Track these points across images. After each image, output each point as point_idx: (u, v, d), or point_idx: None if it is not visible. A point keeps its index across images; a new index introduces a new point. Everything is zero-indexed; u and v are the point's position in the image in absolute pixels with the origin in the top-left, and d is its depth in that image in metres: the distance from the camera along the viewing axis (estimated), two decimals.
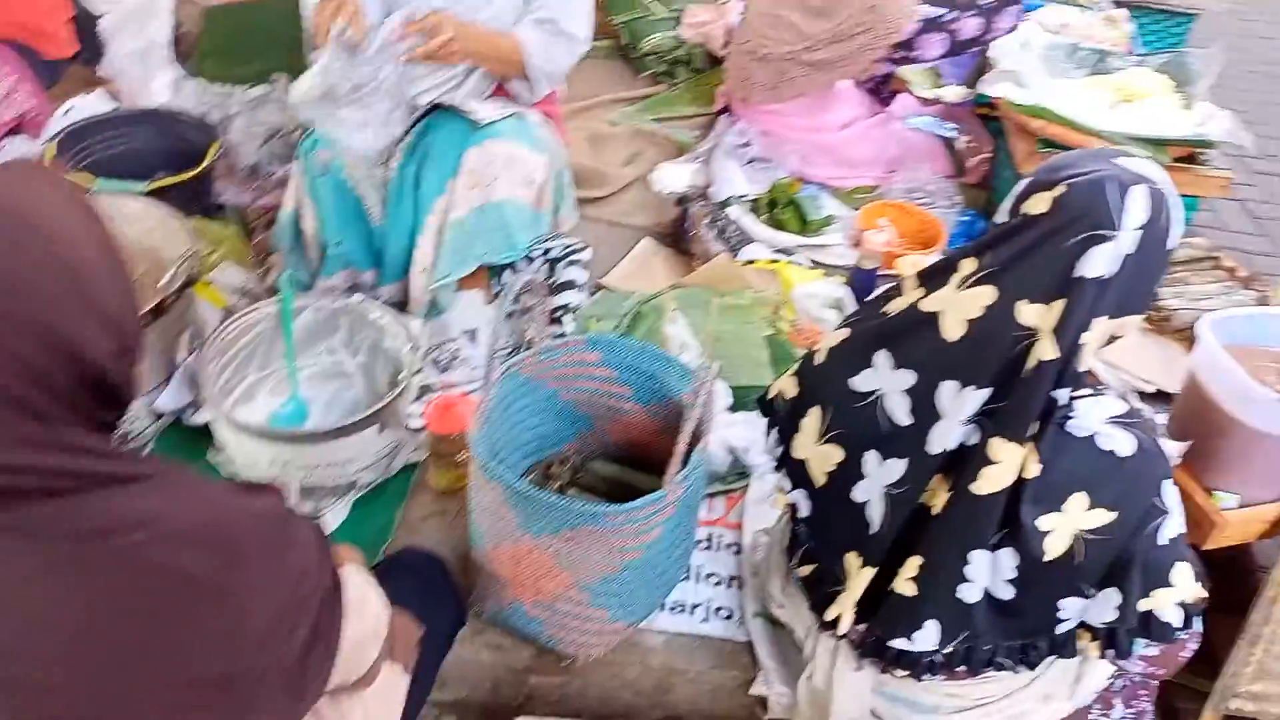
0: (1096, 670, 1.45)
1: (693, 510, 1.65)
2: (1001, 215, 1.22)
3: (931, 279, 1.25)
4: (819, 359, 1.40)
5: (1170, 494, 1.23)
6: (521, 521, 1.48)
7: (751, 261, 2.52)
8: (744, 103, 2.91)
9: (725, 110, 3.01)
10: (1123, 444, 1.19)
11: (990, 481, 1.16)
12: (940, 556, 1.22)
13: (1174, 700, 1.76)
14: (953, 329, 1.19)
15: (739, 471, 2.02)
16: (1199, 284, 2.33)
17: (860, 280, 2.39)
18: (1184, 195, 2.47)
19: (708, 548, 1.90)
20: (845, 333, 1.37)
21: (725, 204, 2.68)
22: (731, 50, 2.94)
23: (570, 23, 2.16)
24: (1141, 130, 2.47)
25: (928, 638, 1.26)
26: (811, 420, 1.37)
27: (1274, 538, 1.78)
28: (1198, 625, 1.38)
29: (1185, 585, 1.24)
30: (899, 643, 1.28)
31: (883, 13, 2.74)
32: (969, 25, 2.94)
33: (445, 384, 2.16)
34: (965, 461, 1.19)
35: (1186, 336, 2.16)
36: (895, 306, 1.29)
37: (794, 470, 1.42)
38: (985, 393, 1.17)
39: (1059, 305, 1.11)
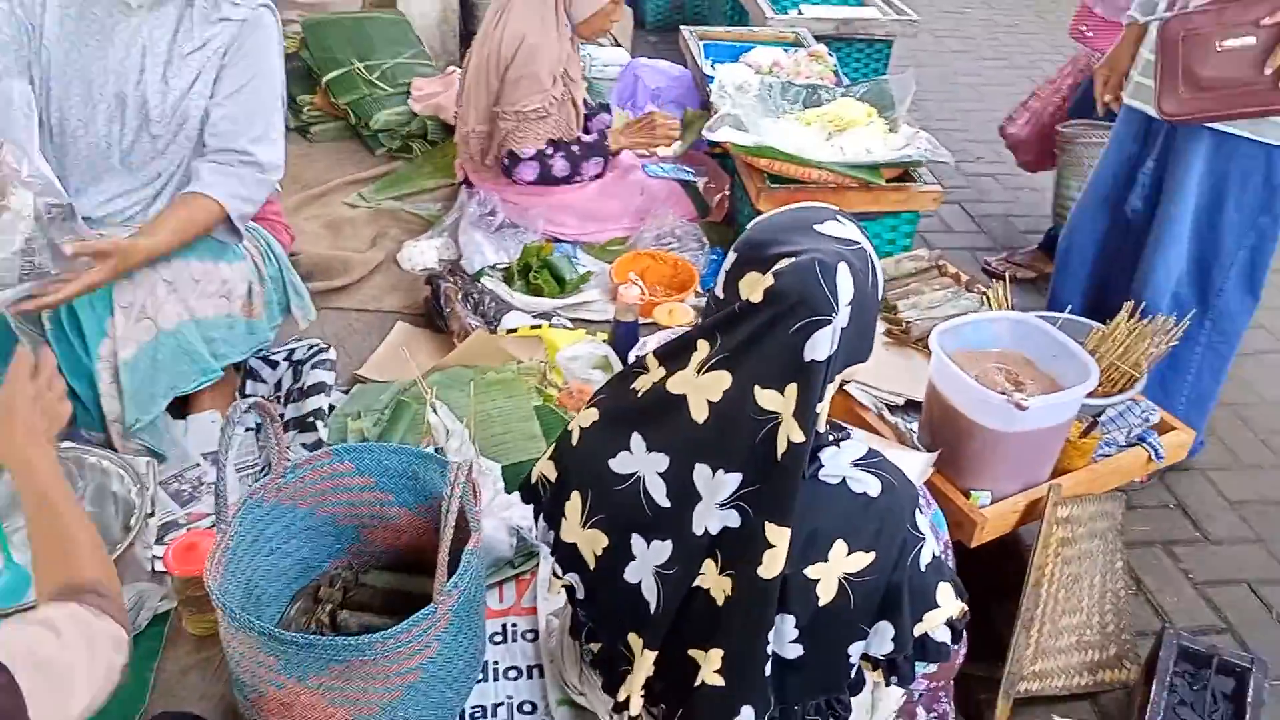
0: (888, 694, 1.48)
1: (474, 611, 1.56)
2: (718, 287, 1.24)
3: (672, 359, 1.25)
4: (574, 440, 1.36)
5: (921, 521, 1.27)
6: (283, 666, 1.35)
7: (513, 330, 2.47)
8: (477, 174, 2.88)
9: (466, 181, 2.96)
10: (872, 485, 1.22)
11: (774, 563, 1.16)
12: (741, 645, 1.20)
13: (971, 691, 1.83)
14: (698, 412, 1.19)
15: (527, 553, 1.94)
16: (929, 292, 2.49)
17: (622, 334, 2.39)
18: (903, 211, 2.70)
19: (502, 640, 1.81)
20: (595, 413, 1.34)
21: (478, 276, 2.63)
22: (457, 123, 2.91)
23: (259, 148, 1.99)
24: (855, 158, 2.62)
25: None
26: (574, 504, 1.34)
27: (1030, 523, 1.90)
28: (963, 636, 1.43)
29: (949, 604, 1.28)
30: None
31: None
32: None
33: (195, 516, 1.97)
34: (742, 546, 1.18)
35: (926, 345, 2.29)
36: (642, 385, 1.27)
37: (565, 554, 1.38)
38: (737, 477, 1.17)
39: (793, 389, 1.13)
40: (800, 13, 3.95)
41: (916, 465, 1.81)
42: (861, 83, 3.05)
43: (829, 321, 1.11)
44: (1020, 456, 1.85)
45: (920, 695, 1.65)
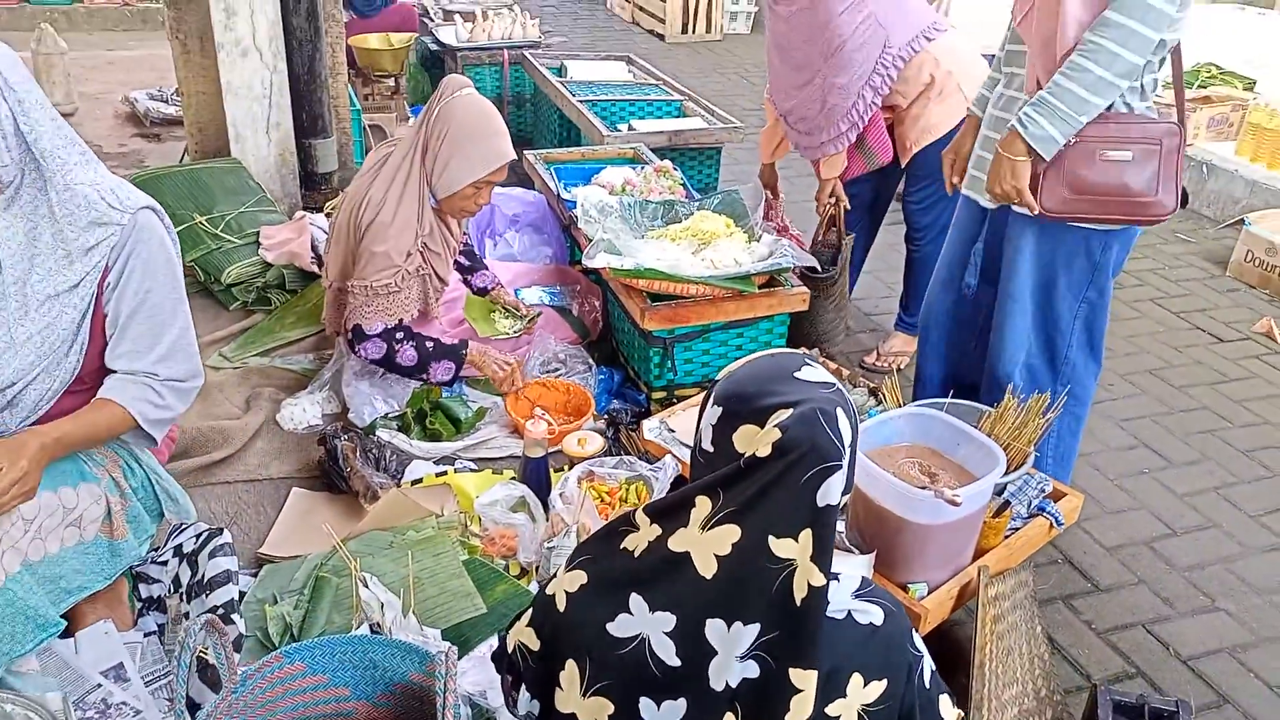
0: None
1: None
2: (706, 441, 1.26)
3: (668, 517, 1.26)
4: (560, 605, 1.33)
5: (918, 639, 1.33)
6: None
7: (418, 481, 2.40)
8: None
9: (338, 334, 2.87)
10: (876, 615, 1.26)
11: (802, 709, 1.18)
12: None
13: None
14: (706, 568, 1.20)
15: (486, 717, 1.87)
16: None
17: (534, 471, 2.37)
18: (776, 314, 2.83)
19: None
20: (582, 576, 1.32)
21: (371, 429, 2.54)
22: (324, 273, 2.83)
23: (167, 367, 1.84)
24: (725, 269, 2.75)
25: None
26: (570, 673, 1.30)
27: (963, 607, 2.00)
28: None
29: (950, 714, 1.34)
30: None
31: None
32: None
33: None
34: (766, 696, 1.19)
35: None
36: (636, 545, 1.27)
37: None
38: (755, 627, 1.18)
39: (807, 536, 1.15)
40: (631, 128, 4.12)
41: (860, 568, 1.88)
42: (712, 195, 3.21)
43: (840, 467, 1.16)
44: (949, 545, 1.96)
45: None
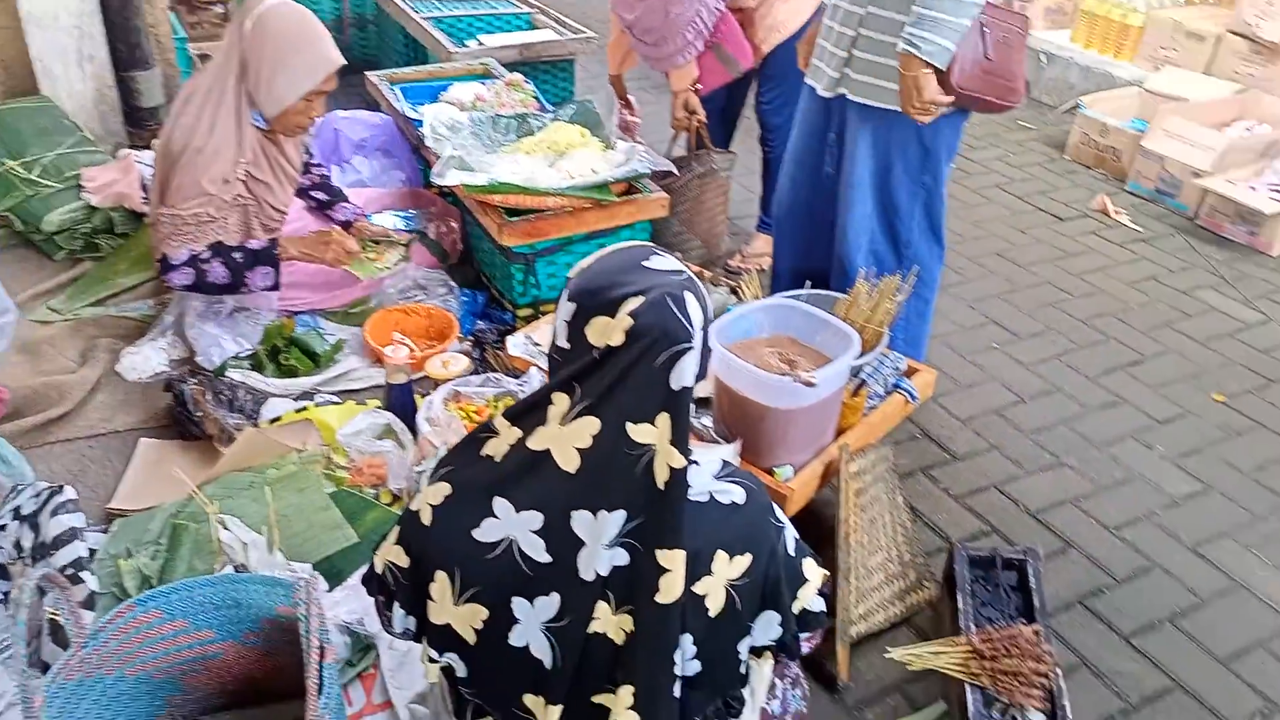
0: (764, 673, 1.57)
1: None
2: (561, 338, 1.25)
3: (525, 417, 1.25)
4: (426, 519, 1.32)
5: (778, 511, 1.37)
6: None
7: (277, 419, 2.32)
8: None
9: None
10: (737, 493, 1.29)
11: (672, 587, 1.20)
12: (650, 678, 1.23)
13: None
14: (568, 462, 1.20)
15: (363, 647, 1.85)
16: None
17: (398, 397, 2.32)
18: (636, 221, 2.82)
19: None
20: (445, 488, 1.30)
21: (221, 370, 2.44)
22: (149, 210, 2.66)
23: None
24: (583, 180, 2.71)
25: None
26: (440, 584, 1.29)
27: (828, 485, 2.08)
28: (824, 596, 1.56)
29: (815, 574, 1.40)
30: None
31: None
32: None
33: None
34: (637, 580, 1.21)
35: None
36: (497, 450, 1.27)
37: (438, 636, 1.33)
38: (621, 514, 1.19)
39: (665, 419, 1.17)
40: (480, 43, 3.99)
41: (726, 456, 1.92)
42: (565, 105, 3.14)
43: (691, 348, 1.17)
44: (811, 427, 2.02)
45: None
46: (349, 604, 1.86)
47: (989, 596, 2.02)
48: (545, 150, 2.81)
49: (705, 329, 1.22)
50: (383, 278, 2.74)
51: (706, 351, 1.26)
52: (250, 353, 2.51)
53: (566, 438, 1.20)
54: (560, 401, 1.21)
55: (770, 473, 1.99)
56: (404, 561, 1.33)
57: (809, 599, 1.38)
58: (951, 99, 2.19)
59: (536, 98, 3.33)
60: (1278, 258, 3.65)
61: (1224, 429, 2.73)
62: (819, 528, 2.17)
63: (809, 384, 1.84)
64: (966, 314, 3.24)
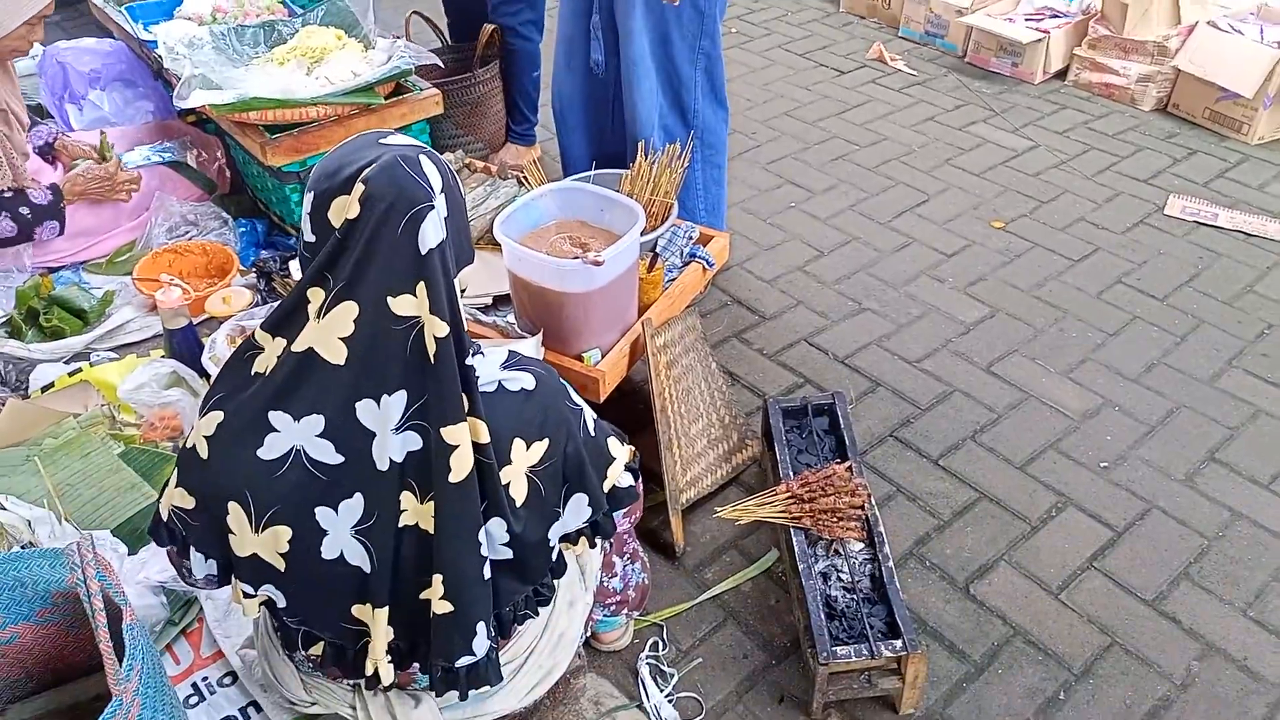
0: (591, 556, 1.59)
1: (160, 686, 1.40)
2: (308, 233, 1.19)
3: (286, 324, 1.19)
4: (204, 454, 1.24)
5: (574, 394, 1.36)
6: None
7: (49, 386, 2.13)
8: None
9: None
10: (526, 380, 1.27)
11: (461, 464, 1.17)
12: (458, 564, 1.21)
13: (644, 523, 2.01)
14: (335, 355, 1.15)
15: (183, 604, 1.77)
16: (470, 191, 2.54)
17: (180, 342, 2.17)
18: (413, 123, 2.68)
19: (199, 699, 1.66)
20: (218, 415, 1.23)
21: None
22: None
23: None
24: (344, 85, 2.54)
25: (482, 641, 1.26)
26: (236, 516, 1.23)
27: (636, 361, 2.09)
28: (639, 473, 1.57)
29: (621, 451, 1.40)
30: (464, 660, 1.26)
31: None
32: None
33: None
34: (429, 463, 1.18)
35: (490, 242, 2.36)
36: (265, 364, 1.21)
37: (248, 568, 1.27)
38: (401, 395, 1.16)
39: (422, 287, 1.13)
40: None
41: (530, 350, 1.90)
42: (315, 6, 2.93)
43: (432, 207, 1.13)
44: (610, 307, 2.00)
45: (611, 545, 1.79)
46: (159, 562, 1.76)
47: (804, 444, 2.10)
48: (300, 58, 2.62)
49: (451, 196, 1.18)
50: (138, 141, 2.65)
51: (462, 227, 1.22)
52: (4, 320, 2.28)
53: (328, 330, 1.15)
54: (315, 296, 1.16)
55: (580, 359, 1.98)
56: (189, 503, 1.26)
57: (617, 476, 1.38)
58: None
59: (283, 3, 3.09)
60: (1040, 85, 3.85)
61: (1004, 254, 2.90)
62: (638, 405, 2.20)
63: (597, 263, 1.82)
64: (763, 177, 3.29)
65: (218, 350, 2.06)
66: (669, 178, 2.20)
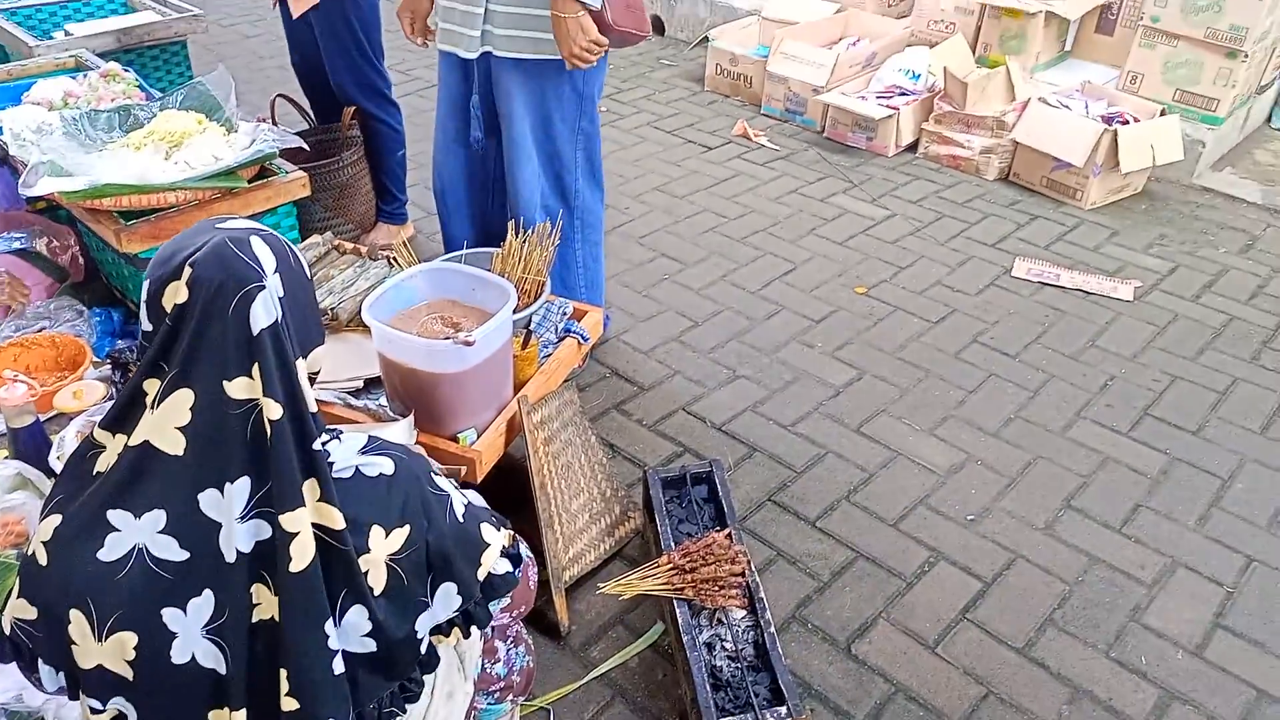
0: (470, 645, 1.55)
1: None
2: (145, 322, 1.16)
3: (123, 419, 1.15)
4: (43, 561, 1.17)
5: (440, 480, 1.34)
6: None
7: None
8: None
9: None
10: (385, 465, 1.25)
11: (302, 552, 1.14)
12: (303, 658, 1.16)
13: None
14: (173, 446, 1.13)
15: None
16: (339, 274, 2.50)
17: (27, 442, 2.04)
18: (279, 206, 2.64)
19: None
20: (56, 518, 1.17)
21: None
22: None
23: None
24: (206, 169, 2.49)
25: None
26: (78, 625, 1.16)
27: (516, 438, 2.07)
28: (525, 552, 1.55)
29: (495, 538, 1.37)
30: None
31: None
32: None
33: None
34: (273, 553, 1.14)
35: (360, 324, 2.33)
36: (105, 463, 1.16)
37: (94, 681, 1.20)
38: (245, 482, 1.13)
39: (256, 368, 1.12)
40: (68, 33, 3.55)
41: (402, 434, 1.87)
42: (174, 90, 2.86)
43: (262, 287, 1.12)
44: (485, 386, 1.99)
45: (494, 630, 1.75)
46: (3, 682, 1.63)
47: (685, 513, 2.12)
48: (158, 142, 2.55)
49: (288, 274, 1.17)
50: None
51: (306, 306, 1.21)
52: None
53: (163, 419, 1.12)
54: (151, 387, 1.14)
55: (455, 439, 1.96)
56: (30, 614, 1.19)
57: (492, 563, 1.36)
58: (607, 40, 2.22)
59: (141, 87, 3.02)
60: (893, 157, 4.08)
61: (868, 318, 3.03)
62: (518, 484, 2.18)
63: (468, 343, 1.82)
64: (637, 251, 3.36)
65: (66, 448, 1.95)
66: (540, 255, 2.22)
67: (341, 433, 1.29)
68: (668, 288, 3.16)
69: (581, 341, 2.26)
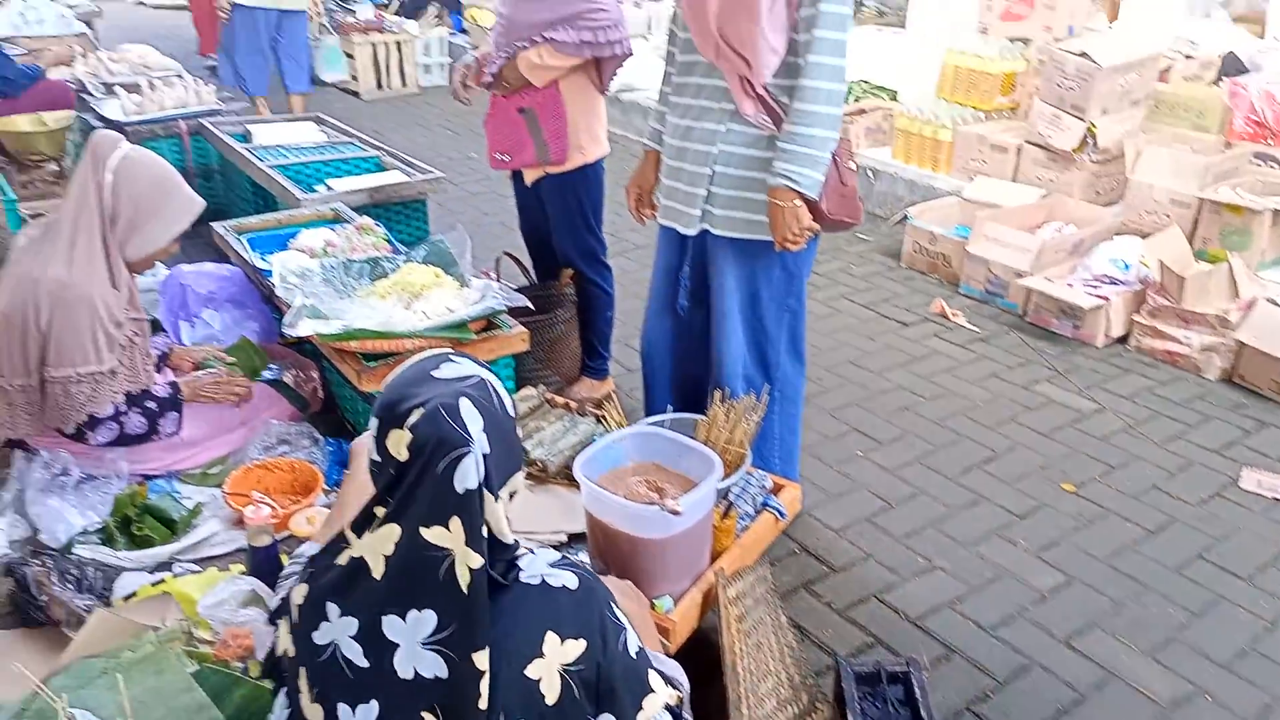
0: None
1: None
2: (373, 452, 1.33)
3: (361, 527, 1.33)
4: (295, 617, 1.38)
5: (619, 612, 1.42)
6: None
7: (132, 595, 2.18)
8: (31, 431, 2.51)
9: (15, 444, 2.55)
10: (570, 579, 1.36)
11: (485, 690, 1.25)
12: None
13: None
14: (376, 569, 1.29)
15: None
16: (549, 426, 2.64)
17: (261, 560, 2.21)
18: (499, 358, 2.83)
19: None
20: (305, 589, 1.38)
21: (69, 548, 2.28)
22: None
23: None
24: (440, 320, 2.71)
25: None
26: (302, 679, 1.37)
27: (710, 611, 2.08)
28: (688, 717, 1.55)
29: (663, 689, 1.43)
30: None
31: None
32: None
33: None
34: (461, 689, 1.25)
35: (566, 478, 2.43)
36: (343, 558, 1.34)
37: None
38: (431, 615, 1.26)
39: (458, 523, 1.25)
40: (329, 188, 4.00)
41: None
42: (417, 246, 3.17)
43: (469, 452, 1.25)
44: (685, 555, 2.03)
45: None
46: None
47: (879, 713, 2.03)
48: (400, 292, 2.81)
49: (493, 428, 1.29)
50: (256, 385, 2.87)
51: (509, 445, 1.34)
52: (100, 526, 2.36)
53: (376, 545, 1.29)
54: (379, 512, 1.30)
55: (651, 606, 1.98)
56: (292, 651, 1.40)
57: (653, 712, 1.39)
58: (818, 226, 2.32)
59: (388, 240, 3.35)
60: (1102, 348, 3.94)
61: (1077, 518, 2.88)
62: (707, 658, 2.16)
63: (675, 512, 1.87)
64: (829, 423, 3.36)
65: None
66: (744, 427, 2.27)
67: (534, 548, 1.42)
68: (860, 464, 3.13)
69: (779, 518, 2.26)
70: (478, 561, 1.25)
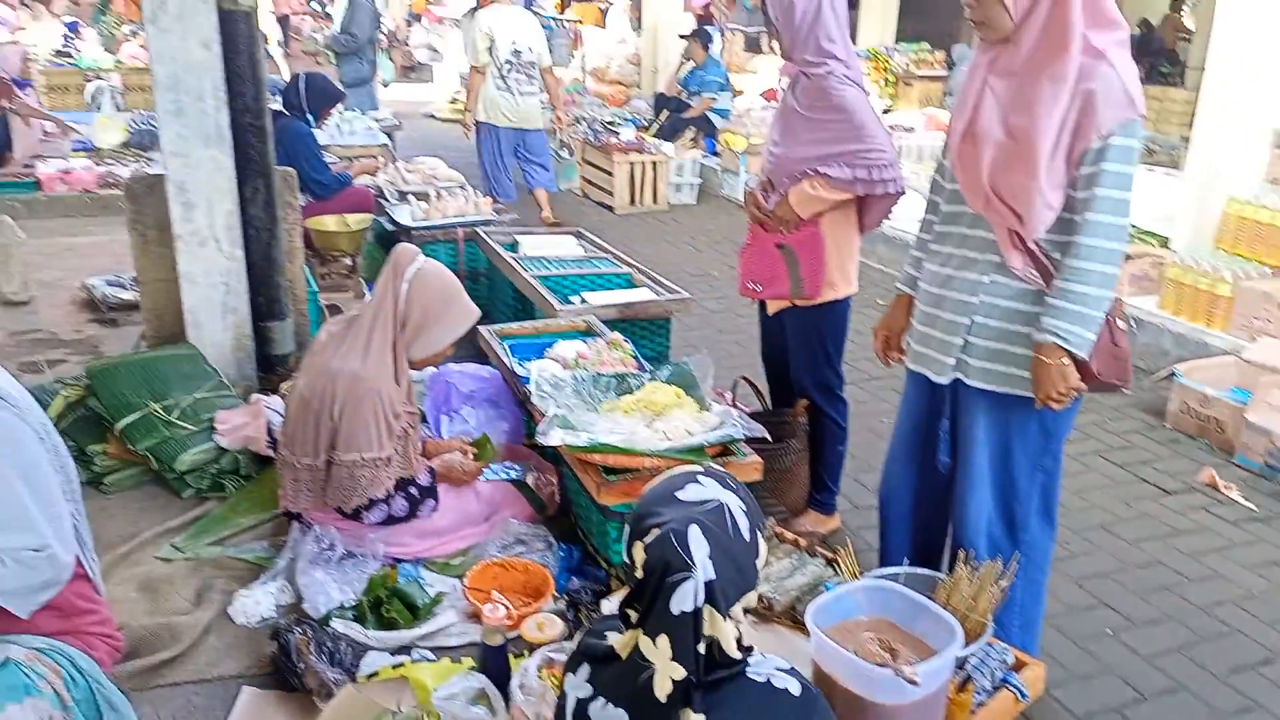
0: None
1: None
2: (624, 553, 1.47)
3: (626, 621, 1.48)
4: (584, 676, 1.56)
5: None
6: None
7: (374, 675, 2.33)
8: (310, 507, 2.78)
9: (291, 515, 2.84)
10: (794, 685, 1.43)
11: None
12: None
13: None
14: (622, 653, 1.45)
15: None
16: (776, 563, 2.62)
17: (493, 661, 2.31)
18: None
19: None
20: (578, 637, 1.62)
21: (326, 620, 2.48)
22: (280, 455, 2.83)
23: (14, 536, 1.81)
24: (678, 441, 2.79)
25: None
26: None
27: None
28: None
29: None
30: None
31: None
32: None
33: None
34: None
35: (790, 619, 2.39)
36: (614, 638, 1.50)
37: None
38: (622, 714, 1.41)
39: (664, 640, 1.37)
40: (583, 300, 4.24)
41: None
42: (662, 366, 3.29)
43: (689, 577, 1.36)
44: None
45: None
46: None
47: None
48: (643, 410, 2.92)
49: (721, 554, 1.39)
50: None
51: (742, 566, 1.44)
52: (355, 603, 2.56)
53: (626, 641, 1.45)
54: (631, 612, 1.46)
55: None
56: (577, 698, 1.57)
57: None
58: (1084, 386, 2.22)
59: (635, 356, 3.50)
60: None
61: None
62: None
63: (912, 681, 1.79)
64: (1075, 593, 3.12)
65: (529, 679, 2.18)
66: (990, 594, 2.16)
67: (766, 655, 1.50)
68: (1110, 645, 2.87)
69: (1020, 699, 2.11)
70: (680, 674, 1.35)
